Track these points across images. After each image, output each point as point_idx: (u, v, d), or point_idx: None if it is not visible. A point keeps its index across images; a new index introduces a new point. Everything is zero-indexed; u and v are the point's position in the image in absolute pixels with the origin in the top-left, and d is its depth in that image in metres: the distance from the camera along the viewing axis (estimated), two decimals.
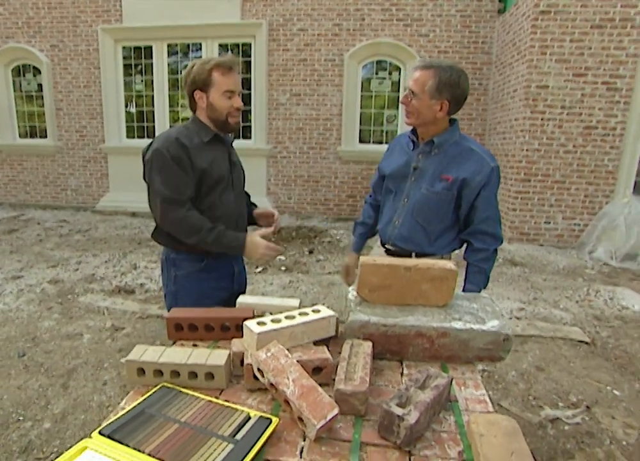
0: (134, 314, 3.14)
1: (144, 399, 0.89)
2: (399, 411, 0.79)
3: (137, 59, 6.55)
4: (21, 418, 2.04)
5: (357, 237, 1.76)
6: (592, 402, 2.19)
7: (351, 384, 0.88)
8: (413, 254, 1.54)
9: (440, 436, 0.84)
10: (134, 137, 6.78)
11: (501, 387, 2.30)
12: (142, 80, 6.62)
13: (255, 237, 1.40)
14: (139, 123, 6.77)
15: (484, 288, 1.51)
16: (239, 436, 0.78)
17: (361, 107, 6.40)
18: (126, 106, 6.69)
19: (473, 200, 1.43)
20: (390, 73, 6.29)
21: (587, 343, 2.78)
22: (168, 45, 6.42)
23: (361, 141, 6.46)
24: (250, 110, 6.53)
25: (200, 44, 6.37)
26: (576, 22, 4.50)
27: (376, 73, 6.33)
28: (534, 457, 0.73)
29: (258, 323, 1.02)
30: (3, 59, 6.74)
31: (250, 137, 6.63)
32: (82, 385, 2.30)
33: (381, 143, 6.43)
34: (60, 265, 4.15)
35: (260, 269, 4.16)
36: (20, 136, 7.05)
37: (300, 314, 1.08)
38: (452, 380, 0.93)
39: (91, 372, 2.42)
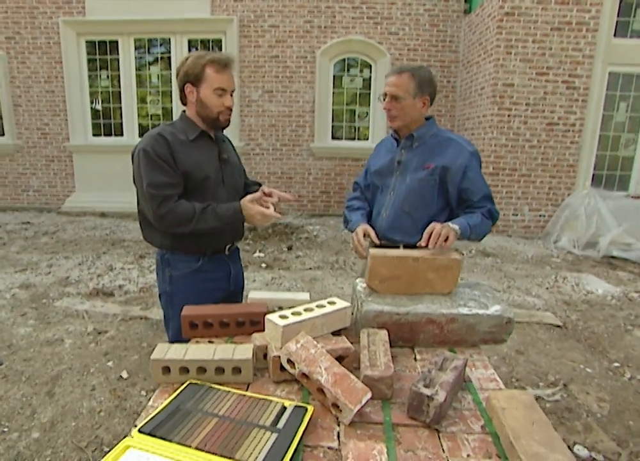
0: (116, 316, 3.06)
1: (176, 397, 0.90)
2: (427, 391, 0.84)
3: (102, 54, 6.30)
4: (6, 430, 1.96)
5: (359, 216, 1.65)
6: (569, 380, 2.35)
7: (377, 370, 0.93)
8: (401, 246, 1.59)
9: (462, 414, 0.90)
10: (100, 134, 6.53)
11: None
12: (108, 76, 6.38)
13: (247, 204, 1.36)
14: (106, 120, 6.53)
15: (472, 233, 1.46)
16: (280, 425, 0.80)
17: (333, 104, 6.45)
18: (91, 103, 6.43)
19: (459, 182, 1.50)
20: (361, 71, 6.38)
21: (559, 326, 2.97)
22: (135, 40, 6.21)
23: (333, 137, 6.52)
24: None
25: (169, 39, 6.21)
26: (538, 24, 4.74)
27: (347, 71, 6.41)
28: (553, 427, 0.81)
29: (281, 317, 1.04)
30: None
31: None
32: (69, 391, 2.23)
33: (353, 139, 6.52)
34: (30, 269, 3.96)
35: (260, 258, 4.14)
36: None
37: (317, 306, 1.11)
38: (466, 361, 0.99)
39: (77, 378, 2.35)
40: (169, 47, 6.24)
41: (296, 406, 0.86)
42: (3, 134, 6.48)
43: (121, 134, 6.52)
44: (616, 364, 2.54)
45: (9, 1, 6.05)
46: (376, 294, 1.23)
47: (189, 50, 6.25)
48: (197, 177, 1.39)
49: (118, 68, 6.29)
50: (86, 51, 6.23)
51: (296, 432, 0.78)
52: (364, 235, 1.51)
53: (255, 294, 1.29)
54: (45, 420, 2.02)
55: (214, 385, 0.94)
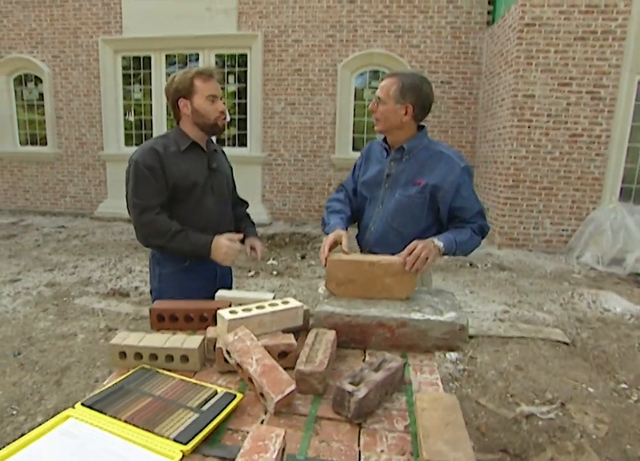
0: (128, 315, 3.22)
1: (125, 378, 0.98)
2: (349, 388, 0.88)
3: (136, 69, 6.71)
4: (15, 412, 2.12)
5: (337, 219, 1.53)
6: (567, 399, 2.26)
7: (310, 365, 0.97)
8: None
9: (390, 413, 0.92)
10: (132, 144, 6.92)
11: (480, 385, 2.38)
12: (140, 89, 6.77)
13: (220, 239, 1.44)
14: (138, 131, 6.91)
15: (458, 249, 1.40)
16: (205, 407, 0.86)
17: (354, 116, 6.54)
18: (125, 115, 6.83)
19: (451, 201, 1.44)
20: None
21: (567, 344, 2.86)
22: (166, 56, 6.58)
23: (354, 149, 6.58)
24: (246, 119, 6.68)
25: (197, 54, 6.53)
26: (560, 34, 4.65)
27: (369, 83, 6.49)
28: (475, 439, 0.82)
29: (230, 312, 1.11)
30: (5, 69, 6.90)
31: (246, 145, 6.76)
32: (74, 382, 2.37)
33: None
34: (57, 269, 4.24)
35: (252, 273, 4.25)
36: (20, 143, 7.19)
37: (270, 304, 1.17)
38: (405, 363, 1.01)
39: (83, 370, 2.50)
40: (198, 62, 6.56)
41: (226, 393, 0.91)
42: (46, 144, 6.99)
43: None
44: (624, 386, 2.41)
45: (57, 23, 6.59)
46: (334, 297, 1.27)
47: (216, 64, 6.55)
48: (185, 184, 1.49)
49: (150, 82, 6.67)
50: (121, 66, 6.65)
51: (218, 415, 0.84)
52: (335, 243, 1.37)
53: (222, 293, 1.35)
54: (50, 406, 2.17)
55: (161, 370, 1.01)
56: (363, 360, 1.15)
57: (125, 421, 0.81)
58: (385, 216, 1.52)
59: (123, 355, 1.06)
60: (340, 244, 1.38)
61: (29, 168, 7.12)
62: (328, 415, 0.90)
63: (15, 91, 7.05)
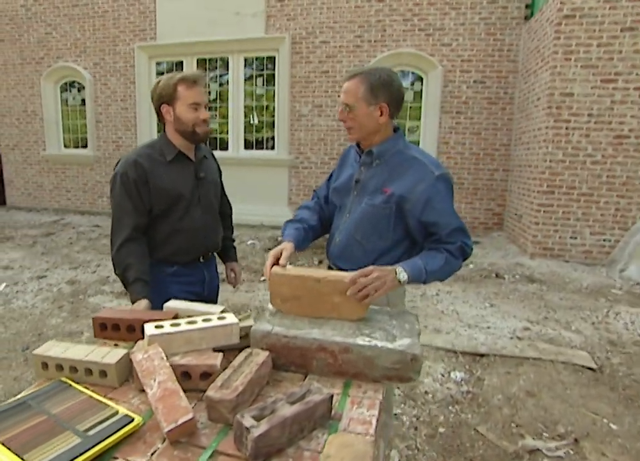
0: None
1: (34, 391, 0.93)
2: (248, 422, 0.78)
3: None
4: None
5: (292, 230, 1.39)
6: (583, 435, 2.01)
7: (221, 392, 0.88)
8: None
9: (301, 454, 0.81)
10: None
11: (483, 411, 2.17)
12: None
13: (141, 303, 1.39)
14: None
15: (431, 270, 1.23)
16: (93, 431, 0.79)
17: None
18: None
19: (420, 215, 1.27)
20: (412, 84, 6.23)
21: (592, 369, 2.57)
22: (198, 60, 6.74)
23: None
24: (273, 122, 6.70)
25: (227, 58, 6.63)
26: (605, 25, 4.25)
27: None
28: None
29: (156, 326, 1.04)
30: (53, 77, 7.36)
31: (273, 148, 6.78)
32: None
33: None
34: (81, 267, 4.41)
35: (264, 278, 4.20)
36: (65, 146, 7.63)
37: (204, 319, 1.08)
38: (331, 397, 0.89)
39: None
40: (228, 65, 6.66)
41: (125, 416, 0.84)
42: (86, 147, 7.38)
43: None
44: None
45: (98, 33, 6.94)
46: (280, 314, 1.17)
47: (245, 67, 6.62)
48: (171, 196, 1.48)
49: None
50: (155, 72, 6.89)
51: (101, 441, 0.77)
52: (278, 257, 1.21)
53: (170, 303, 1.29)
54: None
55: (74, 384, 0.96)
56: (300, 387, 1.04)
57: (2, 443, 0.76)
58: (350, 226, 1.37)
59: (45, 365, 1.02)
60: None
61: (71, 169, 7.54)
62: (229, 451, 0.80)
63: (61, 97, 7.50)
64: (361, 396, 1.00)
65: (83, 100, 7.30)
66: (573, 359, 2.64)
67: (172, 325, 1.05)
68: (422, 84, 6.13)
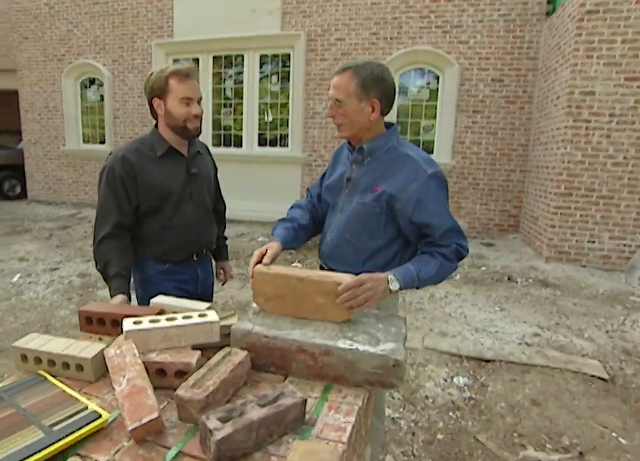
0: None
1: (10, 383, 0.93)
2: (213, 424, 0.75)
3: None
4: None
5: (281, 229, 1.36)
6: (589, 448, 1.92)
7: (191, 391, 0.85)
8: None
9: (268, 459, 0.78)
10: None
11: (484, 419, 2.10)
12: None
13: (117, 298, 1.38)
14: None
15: (424, 277, 1.19)
16: (58, 426, 0.78)
17: (397, 116, 6.27)
18: None
19: (411, 215, 1.22)
20: (428, 82, 6.12)
21: (603, 380, 2.46)
22: (214, 57, 6.77)
23: None
24: (287, 119, 6.68)
25: (243, 55, 6.64)
26: (630, 21, 4.08)
27: (414, 82, 6.20)
28: None
29: (135, 322, 1.02)
30: (74, 74, 7.52)
31: (287, 146, 6.77)
32: None
33: None
34: (93, 260, 4.48)
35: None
36: (83, 141, 7.79)
37: (184, 316, 1.07)
38: (304, 401, 0.86)
39: None
40: (243, 62, 6.68)
41: (93, 412, 0.83)
42: (104, 142, 7.51)
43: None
44: None
45: (117, 30, 7.05)
46: (264, 313, 1.14)
47: (261, 65, 6.62)
48: (161, 193, 1.46)
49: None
50: None
51: (65, 436, 0.76)
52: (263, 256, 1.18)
53: (156, 299, 1.28)
54: None
55: (49, 378, 0.96)
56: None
57: None
58: (340, 225, 1.33)
59: (24, 358, 1.02)
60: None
61: (89, 164, 7.69)
62: (194, 452, 0.78)
63: (81, 94, 7.66)
64: (340, 401, 0.96)
65: (102, 97, 7.43)
66: (584, 368, 2.54)
67: (151, 321, 1.03)
68: (437, 83, 6.01)
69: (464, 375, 2.47)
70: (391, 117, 6.33)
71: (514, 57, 5.50)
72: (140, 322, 1.02)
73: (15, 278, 3.90)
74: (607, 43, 4.15)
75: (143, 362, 0.95)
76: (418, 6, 5.71)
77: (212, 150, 7.45)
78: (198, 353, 1.01)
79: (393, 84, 1.24)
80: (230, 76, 6.85)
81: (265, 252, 1.19)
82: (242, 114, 6.85)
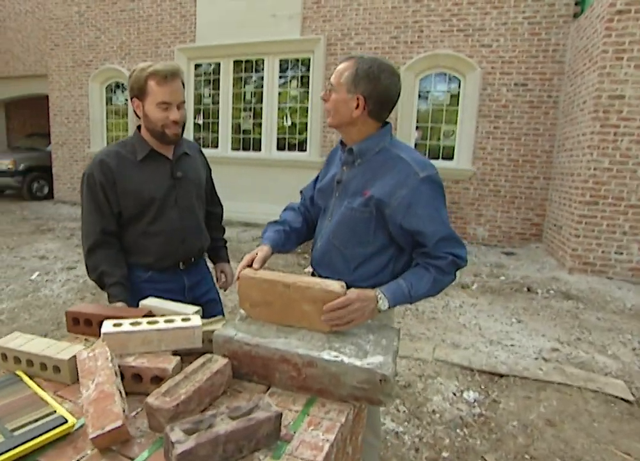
0: None
1: None
2: (175, 437, 0.71)
3: (206, 75, 7.09)
4: None
5: (271, 232, 1.30)
6: None
7: (161, 399, 0.81)
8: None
9: None
10: (200, 146, 7.30)
11: (494, 438, 1.99)
12: (209, 94, 7.13)
13: (118, 306, 1.33)
14: (205, 133, 7.29)
15: (416, 295, 1.12)
16: (20, 431, 0.76)
17: (417, 121, 6.18)
18: (194, 118, 7.25)
19: (401, 221, 1.13)
20: (449, 86, 6.00)
21: (628, 401, 2.30)
22: (234, 62, 6.85)
23: None
24: (306, 123, 6.68)
25: (263, 60, 6.69)
26: None
27: (435, 87, 6.09)
28: None
29: (115, 324, 0.99)
30: (100, 79, 7.74)
31: (305, 150, 6.75)
32: None
33: (437, 158, 6.12)
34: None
35: (307, 270, 4.15)
36: (107, 144, 8.01)
37: (166, 320, 1.03)
38: (279, 415, 0.81)
39: None
40: (263, 67, 6.72)
41: (59, 417, 0.80)
42: None
43: (217, 147, 7.19)
44: None
45: (142, 36, 7.23)
46: (250, 320, 1.09)
47: (281, 70, 6.65)
48: (142, 199, 1.37)
49: (218, 87, 6.99)
50: (194, 73, 7.07)
51: (26, 442, 0.73)
52: (251, 263, 1.12)
53: (146, 301, 1.25)
54: None
55: (25, 378, 0.94)
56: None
57: None
58: (329, 230, 1.26)
59: (4, 357, 1.01)
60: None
61: None
62: None
63: (106, 98, 7.88)
64: (322, 417, 0.90)
65: (126, 100, 7.62)
66: (606, 388, 2.39)
67: (131, 324, 1.00)
68: (459, 87, 5.89)
69: (475, 390, 2.36)
70: (410, 121, 6.25)
71: (539, 61, 5.33)
72: (120, 324, 0.99)
73: (34, 276, 3.99)
74: (638, 44, 3.96)
75: (119, 366, 0.92)
76: (439, 10, 5.62)
77: (231, 154, 7.46)
78: (177, 358, 0.97)
79: (389, 89, 1.14)
80: (251, 80, 6.91)
81: (251, 259, 1.13)
82: (261, 118, 6.89)
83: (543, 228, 5.61)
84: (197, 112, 7.25)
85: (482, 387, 2.39)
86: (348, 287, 1.06)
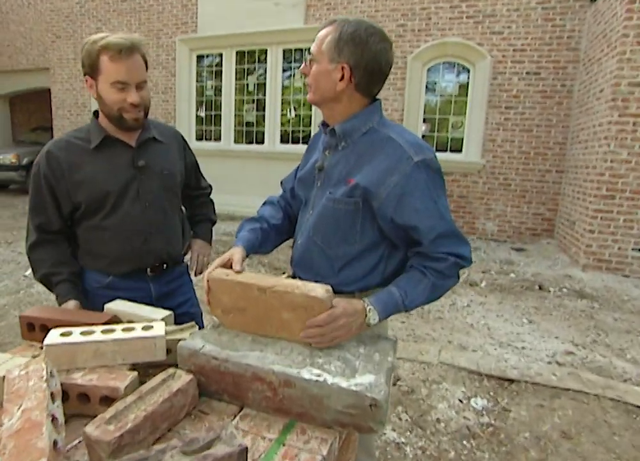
0: None
1: None
2: None
3: (209, 67, 6.94)
4: None
5: (245, 232, 1.13)
6: None
7: (102, 428, 0.67)
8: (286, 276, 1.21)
9: None
10: (202, 139, 7.17)
11: (504, 451, 1.83)
12: (212, 86, 6.98)
13: (70, 304, 1.18)
14: (208, 126, 7.15)
15: (411, 305, 0.97)
16: None
17: (424, 113, 5.98)
18: (197, 110, 7.11)
19: (392, 214, 0.95)
20: (457, 76, 5.78)
21: None
22: (237, 52, 6.68)
23: None
24: (310, 116, 6.51)
25: (266, 50, 6.52)
26: None
27: (443, 76, 5.87)
28: None
29: (62, 333, 0.85)
30: None
31: (307, 141, 6.57)
32: None
33: (445, 150, 5.92)
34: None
35: (286, 275, 4.01)
36: None
37: (124, 329, 0.89)
38: (244, 450, 0.66)
39: None
40: (266, 57, 6.55)
41: None
42: None
43: (219, 140, 7.05)
44: None
45: (143, 27, 7.08)
46: (223, 328, 0.95)
47: (284, 59, 6.48)
48: (95, 192, 1.19)
49: (221, 79, 6.83)
50: (196, 64, 6.92)
51: None
52: (225, 264, 0.98)
53: (112, 304, 1.11)
54: None
55: None
56: (232, 420, 0.81)
57: None
58: (309, 226, 1.08)
59: None
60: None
61: None
62: None
63: None
64: (300, 447, 0.75)
65: None
66: (626, 396, 2.21)
67: (83, 333, 0.86)
68: (468, 77, 5.67)
69: (483, 396, 2.20)
70: (417, 113, 6.05)
71: (552, 48, 5.09)
72: (69, 333, 0.85)
73: (28, 272, 3.90)
74: None
75: (63, 384, 0.78)
76: None
77: (235, 147, 7.25)
78: (133, 375, 0.83)
79: (378, 55, 0.95)
80: (254, 71, 6.74)
81: (228, 261, 0.97)
82: (264, 110, 6.73)
83: (555, 223, 5.40)
84: (199, 104, 7.11)
85: (491, 394, 2.23)
86: (334, 292, 0.90)
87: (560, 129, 5.21)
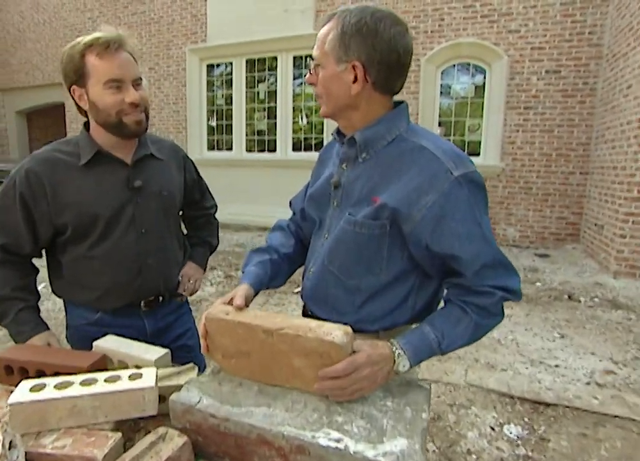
0: None
1: None
2: None
3: (219, 76, 6.91)
4: None
5: (252, 266, 0.98)
6: None
7: None
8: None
9: None
10: (214, 149, 7.13)
11: None
12: (222, 95, 6.94)
13: (41, 338, 1.06)
14: (219, 136, 7.10)
15: (448, 348, 0.81)
16: None
17: (440, 116, 5.81)
18: (208, 120, 7.07)
19: (429, 240, 0.79)
20: (472, 77, 5.61)
21: None
22: (247, 61, 6.63)
23: None
24: (322, 123, 6.40)
25: (276, 57, 6.45)
26: None
27: (458, 79, 5.70)
28: None
29: (33, 387, 0.72)
30: None
31: (319, 149, 6.46)
32: None
33: None
34: None
35: (299, 289, 3.87)
36: None
37: (108, 379, 0.76)
38: None
39: None
40: (277, 65, 6.48)
41: None
42: None
43: (231, 149, 6.99)
44: None
45: (153, 38, 7.10)
46: (225, 375, 0.81)
47: (294, 66, 6.39)
48: (82, 216, 1.05)
49: (231, 88, 6.78)
50: (206, 74, 6.90)
51: None
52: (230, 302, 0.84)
53: (101, 342, 0.98)
54: None
55: None
56: None
57: None
58: (325, 252, 0.92)
59: None
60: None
61: None
62: None
63: None
64: None
65: None
66: None
67: (57, 386, 0.73)
68: (484, 78, 5.48)
69: (517, 423, 2.01)
70: (432, 117, 5.89)
71: (572, 45, 4.88)
72: (42, 387, 0.72)
73: (40, 287, 3.84)
74: None
75: (28, 454, 0.65)
76: None
77: (247, 156, 7.15)
78: (116, 437, 0.69)
79: (393, 41, 0.78)
80: (264, 79, 6.67)
81: (230, 301, 0.83)
82: (276, 118, 6.64)
83: (581, 228, 5.14)
84: (210, 114, 7.07)
85: (526, 420, 2.03)
86: (354, 331, 0.75)
87: (584, 128, 4.98)
